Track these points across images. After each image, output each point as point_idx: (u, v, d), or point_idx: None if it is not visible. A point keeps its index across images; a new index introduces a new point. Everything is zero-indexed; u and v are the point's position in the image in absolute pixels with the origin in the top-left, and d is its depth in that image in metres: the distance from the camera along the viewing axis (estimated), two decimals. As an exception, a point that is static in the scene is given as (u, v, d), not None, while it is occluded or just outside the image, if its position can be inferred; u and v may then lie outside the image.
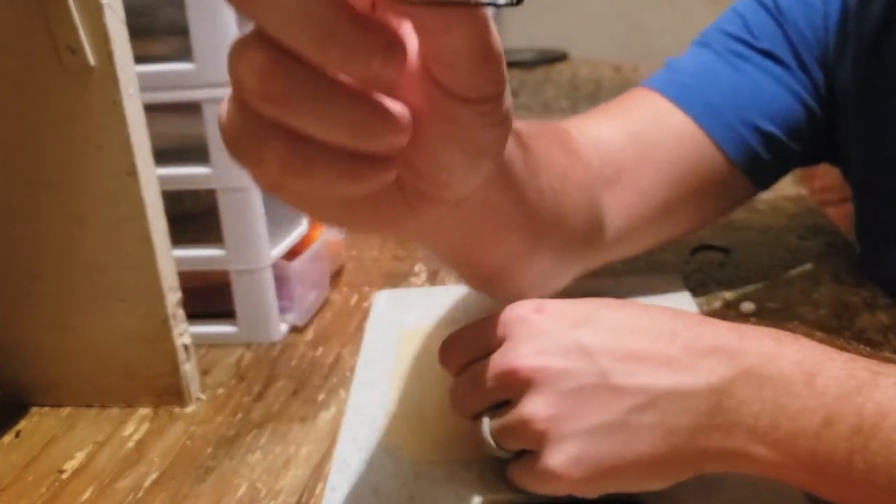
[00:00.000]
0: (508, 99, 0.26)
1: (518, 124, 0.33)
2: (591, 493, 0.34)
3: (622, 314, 0.35)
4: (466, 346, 0.37)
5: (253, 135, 0.23)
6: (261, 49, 0.21)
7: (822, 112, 0.54)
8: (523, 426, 0.33)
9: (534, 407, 0.33)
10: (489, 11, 0.23)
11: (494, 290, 0.43)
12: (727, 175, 0.51)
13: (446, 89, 0.24)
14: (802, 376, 0.31)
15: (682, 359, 0.33)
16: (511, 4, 0.22)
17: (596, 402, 0.33)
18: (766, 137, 0.51)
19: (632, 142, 0.50)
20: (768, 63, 0.52)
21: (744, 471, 0.33)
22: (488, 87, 0.24)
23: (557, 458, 0.33)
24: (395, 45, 0.22)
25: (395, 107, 0.23)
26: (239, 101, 0.22)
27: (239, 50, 0.22)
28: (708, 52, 0.54)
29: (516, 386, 0.34)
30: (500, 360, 0.34)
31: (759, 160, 0.52)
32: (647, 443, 0.32)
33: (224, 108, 0.23)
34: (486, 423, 0.35)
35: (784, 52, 0.53)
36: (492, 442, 0.35)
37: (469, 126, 0.25)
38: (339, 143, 0.23)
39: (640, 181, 0.49)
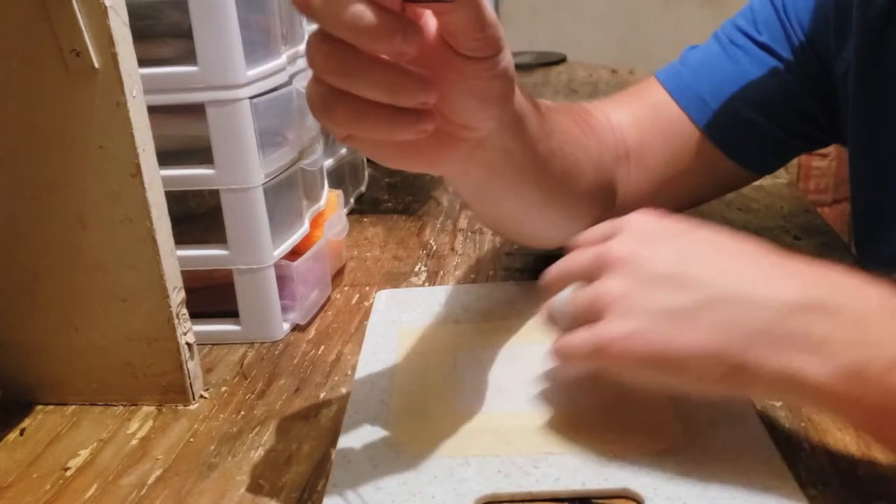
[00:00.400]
0: (506, 57, 0.35)
1: (542, 101, 0.48)
2: (636, 375, 0.36)
3: (735, 244, 0.38)
4: (592, 235, 0.41)
5: (326, 101, 0.33)
6: (322, 39, 0.31)
7: (823, 101, 0.57)
8: (595, 298, 0.37)
9: (609, 285, 0.37)
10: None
11: (509, 232, 0.56)
12: (715, 160, 0.58)
13: (457, 53, 0.34)
14: (884, 311, 0.33)
15: (762, 273, 0.35)
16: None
17: (667, 288, 0.35)
18: (749, 124, 0.57)
19: (637, 126, 0.58)
20: (764, 55, 0.57)
21: (793, 400, 0.35)
22: (487, 49, 0.34)
23: (615, 327, 0.35)
24: (410, 28, 0.30)
25: (420, 73, 0.32)
26: (315, 77, 0.32)
27: (311, 40, 0.32)
28: (715, 43, 0.60)
29: (601, 268, 0.37)
30: (595, 249, 0.39)
31: (746, 147, 0.57)
32: (703, 336, 0.34)
33: (307, 84, 0.33)
34: (564, 295, 0.39)
35: (782, 46, 0.57)
36: (563, 309, 0.39)
37: (477, 78, 0.35)
38: (383, 101, 0.32)
39: (643, 160, 0.57)
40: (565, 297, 0.39)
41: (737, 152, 0.58)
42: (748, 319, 0.34)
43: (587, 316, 0.37)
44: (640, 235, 0.38)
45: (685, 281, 0.35)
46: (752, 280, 0.35)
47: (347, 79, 0.32)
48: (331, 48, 0.31)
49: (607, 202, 0.56)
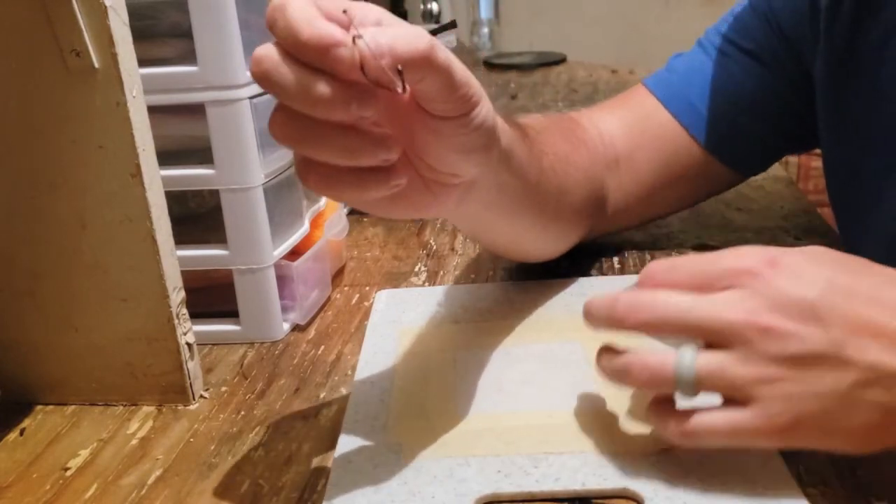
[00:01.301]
0: (482, 111, 0.36)
1: (529, 119, 0.49)
2: (782, 446, 0.35)
3: (862, 281, 0.34)
4: (676, 280, 0.36)
5: (299, 168, 0.33)
6: (279, 111, 0.32)
7: (809, 103, 0.57)
8: (743, 379, 0.33)
9: (759, 366, 0.33)
10: (446, 60, 0.32)
11: (507, 253, 0.56)
12: (706, 164, 0.59)
13: (432, 114, 0.35)
14: None
15: None
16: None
17: (820, 371, 0.32)
18: (740, 128, 0.58)
19: (627, 133, 0.58)
20: (750, 62, 0.58)
21: None
22: (459, 109, 0.35)
23: (767, 418, 0.33)
24: (364, 94, 0.31)
25: (380, 132, 0.33)
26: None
27: (272, 114, 0.32)
28: (701, 51, 0.60)
29: (739, 340, 0.33)
30: (726, 308, 0.34)
31: (734, 151, 0.59)
32: (864, 418, 0.32)
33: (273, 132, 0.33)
34: (691, 357, 0.34)
35: (765, 51, 0.58)
36: (691, 377, 0.34)
37: (454, 134, 0.35)
38: (345, 164, 0.33)
39: (633, 167, 0.58)
40: (686, 360, 0.34)
41: (728, 156, 0.59)
42: None
43: (725, 392, 0.34)
44: (766, 295, 0.33)
45: (843, 360, 0.32)
46: None
47: (306, 147, 0.32)
48: (286, 118, 0.32)
49: (598, 211, 0.57)
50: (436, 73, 0.32)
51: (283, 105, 0.32)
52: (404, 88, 0.31)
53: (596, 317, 0.37)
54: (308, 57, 0.30)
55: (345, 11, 0.31)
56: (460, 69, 0.34)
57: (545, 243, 0.54)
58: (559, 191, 0.50)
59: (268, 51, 0.31)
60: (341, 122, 0.32)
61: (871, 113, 0.53)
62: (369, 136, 0.32)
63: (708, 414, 0.34)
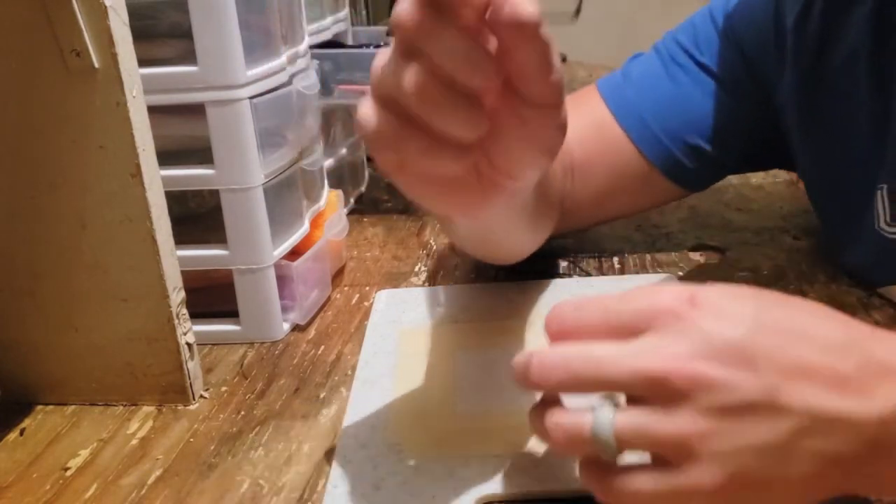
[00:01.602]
0: (565, 112, 0.35)
1: None
2: None
3: (790, 317, 0.31)
4: (587, 323, 0.32)
5: (398, 133, 0.32)
6: (424, 73, 0.31)
7: (765, 125, 0.58)
8: (669, 437, 0.29)
9: (686, 420, 0.29)
10: (549, 34, 0.31)
11: (486, 257, 0.56)
12: (653, 179, 0.59)
13: (523, 97, 0.33)
14: None
15: (854, 380, 0.29)
16: None
17: (755, 420, 0.29)
18: (691, 148, 0.58)
19: (582, 142, 0.59)
20: (705, 77, 0.58)
21: None
22: (552, 96, 0.33)
23: (705, 476, 0.29)
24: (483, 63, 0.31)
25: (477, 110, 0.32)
26: (386, 110, 0.32)
27: (410, 77, 0.31)
28: (657, 60, 0.60)
29: (664, 392, 0.29)
30: (646, 358, 0.29)
31: (682, 168, 0.59)
32: (805, 468, 0.29)
33: (366, 116, 0.32)
34: (608, 417, 0.30)
35: (722, 69, 0.58)
36: (610, 439, 0.30)
37: (537, 126, 0.34)
38: (454, 132, 0.32)
39: (585, 175, 0.59)
40: (603, 420, 0.30)
41: (676, 174, 0.59)
42: (852, 441, 0.29)
43: (652, 451, 0.30)
44: (689, 337, 0.29)
45: (778, 408, 0.29)
46: (845, 391, 0.29)
47: (436, 110, 0.31)
48: (430, 81, 0.30)
49: (559, 212, 0.57)
50: (540, 42, 0.31)
51: (425, 69, 0.30)
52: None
53: (516, 381, 0.33)
54: None
55: None
56: (557, 58, 0.32)
57: (522, 244, 0.53)
58: (545, 193, 0.51)
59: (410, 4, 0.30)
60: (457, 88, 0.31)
61: (846, 131, 0.53)
62: (482, 108, 0.32)
63: (635, 476, 0.30)
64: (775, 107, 0.57)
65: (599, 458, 0.31)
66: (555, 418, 0.32)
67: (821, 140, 0.55)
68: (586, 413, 0.31)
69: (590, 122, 0.59)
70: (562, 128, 0.35)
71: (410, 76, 0.30)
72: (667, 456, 0.30)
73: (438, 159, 0.32)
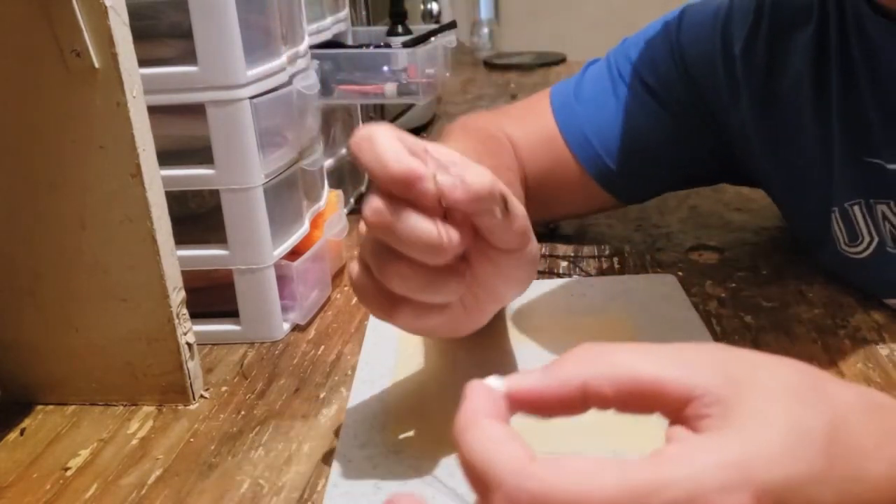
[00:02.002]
0: (533, 248, 0.39)
1: (468, 148, 0.51)
2: None
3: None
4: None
5: (380, 294, 0.36)
6: (395, 256, 0.35)
7: (711, 147, 0.60)
8: None
9: None
10: (506, 194, 0.36)
11: None
12: (595, 191, 0.62)
13: (493, 246, 0.37)
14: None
15: None
16: None
17: None
18: (631, 167, 0.60)
19: (530, 153, 0.61)
20: (650, 101, 0.60)
21: None
22: (518, 242, 0.37)
23: None
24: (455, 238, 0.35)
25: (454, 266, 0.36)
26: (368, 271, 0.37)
27: (382, 257, 0.35)
28: (606, 75, 0.62)
29: None
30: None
31: (625, 185, 0.62)
32: None
33: (353, 273, 0.37)
34: None
35: (670, 91, 0.59)
36: None
37: (511, 267, 0.38)
38: (427, 298, 0.36)
39: (531, 183, 0.61)
40: None
41: (619, 191, 0.62)
42: None
43: None
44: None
45: None
46: None
47: (405, 285, 0.35)
48: (395, 264, 0.35)
49: None
50: (496, 205, 0.35)
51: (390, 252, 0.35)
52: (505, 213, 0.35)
53: None
54: (395, 189, 0.34)
55: (425, 150, 0.35)
56: (518, 206, 0.37)
57: None
58: None
59: (378, 205, 0.34)
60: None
61: (799, 156, 0.54)
62: (451, 269, 0.36)
63: None
64: (724, 129, 0.58)
65: None
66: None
67: (778, 165, 0.56)
68: None
69: (540, 135, 0.62)
70: (533, 262, 0.39)
71: (381, 261, 0.35)
72: None
73: (423, 318, 0.37)
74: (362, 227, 0.36)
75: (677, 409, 0.24)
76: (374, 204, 0.34)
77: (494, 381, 0.26)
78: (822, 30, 0.52)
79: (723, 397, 0.23)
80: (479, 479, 0.23)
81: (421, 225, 0.34)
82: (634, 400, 0.24)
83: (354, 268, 0.37)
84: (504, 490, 0.22)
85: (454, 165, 0.34)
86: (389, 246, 0.35)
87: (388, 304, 0.37)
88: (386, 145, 0.34)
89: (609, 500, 0.21)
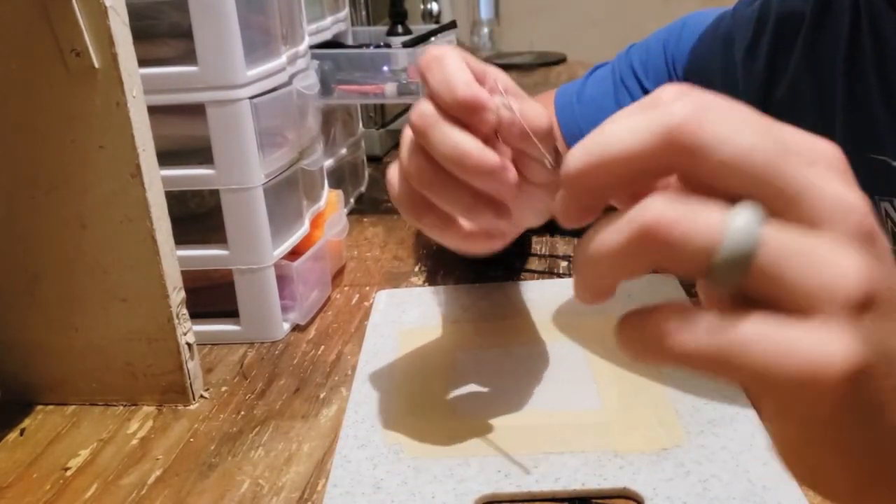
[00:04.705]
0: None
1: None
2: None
3: None
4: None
5: (416, 206, 0.37)
6: (420, 154, 0.36)
7: None
8: (829, 280, 0.19)
9: (855, 261, 0.19)
10: (554, 139, 0.36)
11: None
12: None
13: (532, 182, 0.37)
14: None
15: None
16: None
17: None
18: None
19: None
20: None
21: None
22: (551, 177, 0.37)
23: (851, 344, 0.19)
24: (506, 171, 0.35)
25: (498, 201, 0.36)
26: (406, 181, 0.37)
27: (408, 151, 0.36)
28: (609, 80, 0.62)
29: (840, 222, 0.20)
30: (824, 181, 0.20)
31: None
32: None
33: (392, 181, 0.38)
34: (752, 215, 0.20)
35: None
36: (745, 254, 0.20)
37: (542, 198, 0.38)
38: (461, 216, 0.38)
39: None
40: (749, 223, 0.20)
41: None
42: None
43: (797, 291, 0.20)
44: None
45: None
46: None
47: (434, 193, 0.36)
48: (426, 164, 0.35)
49: None
50: (549, 146, 0.35)
51: (424, 150, 0.35)
52: (556, 165, 0.35)
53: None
54: (455, 112, 0.34)
55: (493, 79, 0.36)
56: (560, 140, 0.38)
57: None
58: None
59: (427, 109, 0.34)
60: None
61: None
62: (490, 203, 0.36)
63: (743, 321, 0.20)
64: None
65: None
66: (666, 208, 0.20)
67: None
68: (716, 211, 0.20)
69: None
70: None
71: (413, 163, 0.35)
72: (798, 304, 0.19)
73: (448, 232, 0.38)
74: (407, 132, 0.36)
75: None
76: (423, 107, 0.34)
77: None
78: (823, 26, 0.51)
79: None
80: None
81: (464, 139, 0.33)
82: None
83: (391, 172, 0.38)
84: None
85: (517, 99, 0.35)
86: (429, 156, 0.35)
87: (419, 208, 0.37)
88: (456, 69, 0.34)
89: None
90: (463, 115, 0.34)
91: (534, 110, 0.35)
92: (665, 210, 0.20)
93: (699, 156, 0.20)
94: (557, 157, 0.36)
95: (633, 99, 0.61)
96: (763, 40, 0.55)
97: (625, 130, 0.22)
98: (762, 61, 0.55)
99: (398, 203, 0.38)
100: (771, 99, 0.55)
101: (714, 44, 0.58)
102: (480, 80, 0.36)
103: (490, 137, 0.35)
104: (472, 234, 0.39)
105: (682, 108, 0.21)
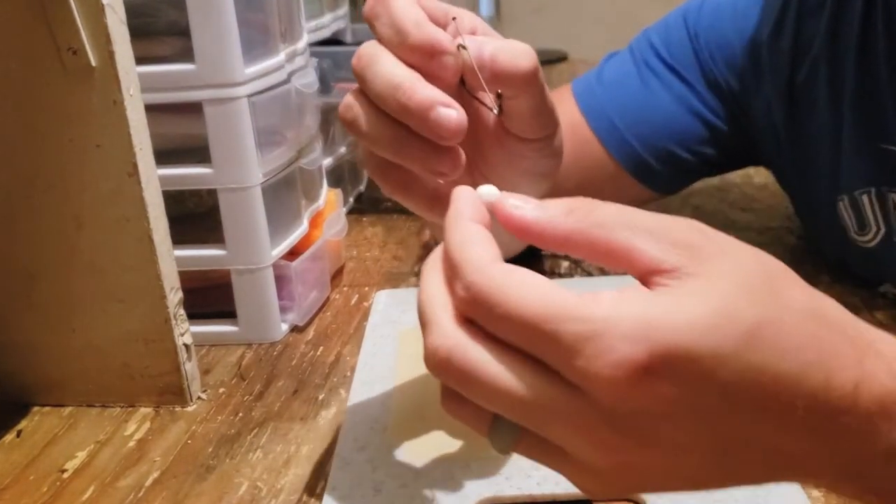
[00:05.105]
0: (558, 140, 0.36)
1: None
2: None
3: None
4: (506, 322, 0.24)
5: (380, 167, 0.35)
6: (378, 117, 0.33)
7: (735, 128, 0.58)
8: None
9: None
10: (542, 81, 0.33)
11: None
12: (625, 182, 0.59)
13: (515, 135, 0.35)
14: None
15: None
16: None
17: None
18: (660, 152, 0.58)
19: None
20: (674, 80, 0.58)
21: None
22: (542, 131, 0.35)
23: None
24: (444, 156, 0.32)
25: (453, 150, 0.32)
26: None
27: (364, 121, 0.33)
28: (630, 60, 0.60)
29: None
30: (578, 447, 0.24)
31: (651, 171, 0.59)
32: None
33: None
34: (508, 429, 0.26)
35: (692, 73, 0.58)
36: (504, 444, 0.26)
37: (531, 157, 0.36)
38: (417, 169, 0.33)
39: (560, 175, 0.58)
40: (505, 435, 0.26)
41: (646, 177, 0.59)
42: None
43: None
44: (638, 425, 0.24)
45: None
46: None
47: (374, 142, 0.33)
48: (367, 110, 0.32)
49: None
50: (531, 93, 0.32)
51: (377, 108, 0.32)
52: (501, 110, 0.31)
53: None
54: (409, 58, 0.31)
55: (454, 18, 0.32)
56: (547, 92, 0.34)
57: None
58: None
59: (352, 101, 0.32)
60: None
61: (813, 144, 0.54)
62: (444, 151, 0.32)
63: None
64: (746, 112, 0.57)
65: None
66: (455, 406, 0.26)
67: (792, 151, 0.56)
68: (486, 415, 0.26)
69: (564, 124, 0.60)
70: (556, 156, 0.36)
71: (353, 111, 0.33)
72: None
73: (409, 193, 0.34)
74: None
75: (643, 275, 0.25)
76: (364, 46, 0.32)
77: (486, 190, 0.28)
78: (841, 12, 0.50)
79: (682, 275, 0.24)
80: (451, 269, 0.25)
81: (398, 71, 0.30)
82: (607, 262, 0.26)
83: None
84: (462, 281, 0.24)
85: (483, 41, 0.31)
86: (370, 101, 0.32)
87: (380, 167, 0.34)
88: (404, 9, 0.31)
89: (528, 311, 0.23)
90: (418, 61, 0.30)
91: (510, 52, 0.31)
92: (450, 407, 0.26)
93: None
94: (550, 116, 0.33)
95: (658, 78, 0.58)
96: (788, 19, 0.53)
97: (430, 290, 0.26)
98: (788, 41, 0.53)
99: (364, 167, 0.35)
100: (794, 82, 0.53)
101: (736, 21, 0.56)
102: (440, 22, 0.32)
103: (457, 87, 0.32)
104: (437, 197, 0.34)
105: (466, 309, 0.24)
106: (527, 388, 0.24)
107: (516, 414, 0.24)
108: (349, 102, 0.33)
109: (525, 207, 0.26)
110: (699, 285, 0.24)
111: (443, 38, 0.30)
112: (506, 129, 0.34)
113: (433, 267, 0.27)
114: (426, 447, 0.40)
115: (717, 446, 0.24)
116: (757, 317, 0.23)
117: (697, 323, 0.23)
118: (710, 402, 0.23)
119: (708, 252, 0.24)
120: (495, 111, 0.32)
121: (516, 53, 0.31)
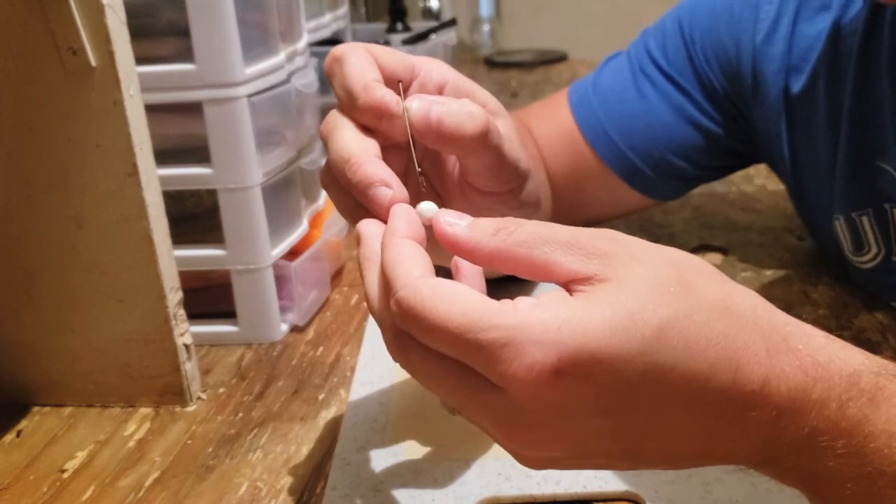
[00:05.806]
0: (526, 189, 0.37)
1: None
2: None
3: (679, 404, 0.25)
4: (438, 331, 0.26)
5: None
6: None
7: (734, 132, 0.58)
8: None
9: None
10: (496, 142, 0.33)
11: None
12: (621, 191, 0.60)
13: (477, 189, 0.36)
14: None
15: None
16: None
17: None
18: (657, 161, 0.58)
19: (552, 151, 0.60)
20: (671, 89, 0.58)
21: None
22: (501, 187, 0.36)
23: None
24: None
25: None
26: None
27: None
28: (627, 66, 0.60)
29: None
30: (501, 434, 0.27)
31: (649, 180, 0.59)
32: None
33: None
34: None
35: (688, 80, 0.58)
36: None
37: (497, 210, 0.36)
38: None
39: (553, 184, 0.59)
40: None
41: (644, 187, 0.59)
42: None
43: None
44: (547, 423, 0.26)
45: None
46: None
47: (333, 198, 0.35)
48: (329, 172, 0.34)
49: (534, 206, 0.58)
50: (482, 154, 0.33)
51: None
52: (421, 173, 0.33)
53: None
54: (360, 119, 0.32)
55: (399, 82, 0.33)
56: (511, 149, 0.34)
57: None
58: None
59: (332, 114, 0.33)
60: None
61: (810, 159, 0.53)
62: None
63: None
64: (745, 118, 0.57)
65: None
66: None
67: (792, 166, 0.55)
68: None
69: (560, 134, 0.60)
70: (525, 203, 0.37)
71: (325, 175, 0.34)
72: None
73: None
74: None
75: (564, 285, 0.27)
76: (331, 112, 0.33)
77: (426, 206, 0.30)
78: (841, 27, 0.50)
79: (596, 281, 0.26)
80: (385, 285, 0.27)
81: (347, 146, 0.32)
82: (530, 276, 0.27)
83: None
84: (394, 297, 0.26)
85: (431, 103, 0.32)
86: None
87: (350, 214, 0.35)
88: (355, 71, 0.32)
89: (452, 323, 0.25)
90: (369, 122, 0.32)
91: (456, 116, 0.32)
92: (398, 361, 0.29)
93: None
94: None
95: (655, 87, 0.58)
96: (782, 27, 0.53)
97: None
98: (781, 46, 0.52)
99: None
100: (790, 93, 0.53)
101: (731, 25, 0.55)
102: (403, 76, 0.34)
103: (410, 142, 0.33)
104: None
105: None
106: (456, 388, 0.26)
107: (453, 404, 0.28)
108: (323, 171, 0.35)
109: (458, 225, 0.28)
110: (611, 289, 0.25)
111: (389, 101, 0.32)
112: (468, 182, 0.35)
113: (373, 282, 0.29)
114: (426, 447, 0.40)
115: (627, 439, 0.26)
116: (663, 318, 0.25)
117: (604, 326, 0.24)
118: (619, 400, 0.25)
119: (620, 258, 0.26)
120: (419, 170, 0.33)
121: (462, 118, 0.32)
